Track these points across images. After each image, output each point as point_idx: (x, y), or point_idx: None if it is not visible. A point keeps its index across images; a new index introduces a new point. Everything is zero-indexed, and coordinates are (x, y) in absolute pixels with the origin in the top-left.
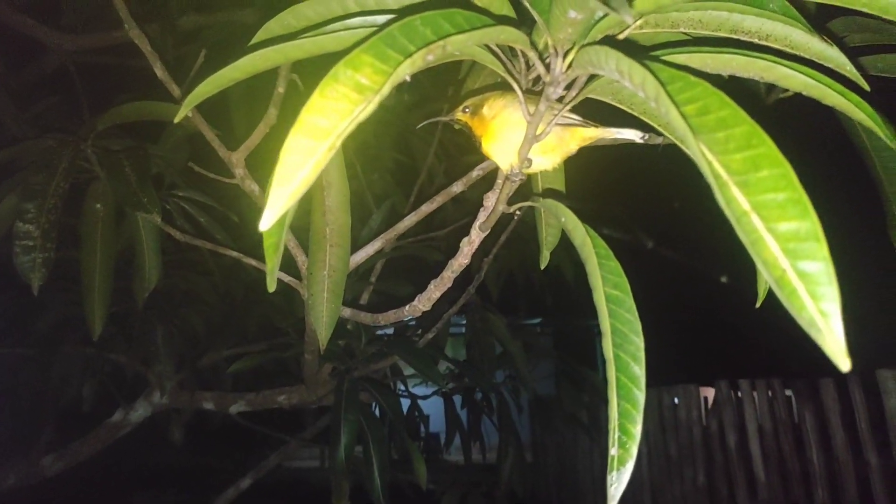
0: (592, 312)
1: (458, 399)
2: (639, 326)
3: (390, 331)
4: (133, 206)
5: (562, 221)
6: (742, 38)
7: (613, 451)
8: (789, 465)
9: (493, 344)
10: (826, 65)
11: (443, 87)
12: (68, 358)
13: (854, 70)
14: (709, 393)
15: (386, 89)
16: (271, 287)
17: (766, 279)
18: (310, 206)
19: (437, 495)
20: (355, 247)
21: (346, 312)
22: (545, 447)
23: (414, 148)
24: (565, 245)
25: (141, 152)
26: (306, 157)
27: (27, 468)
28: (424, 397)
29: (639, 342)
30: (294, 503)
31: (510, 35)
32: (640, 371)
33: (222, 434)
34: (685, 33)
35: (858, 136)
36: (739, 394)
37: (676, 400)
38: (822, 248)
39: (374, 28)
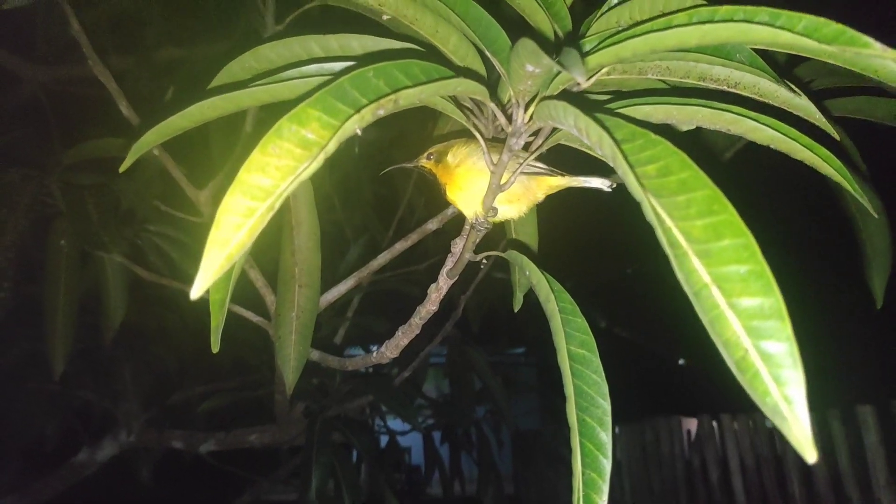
0: None
1: (439, 434)
2: (606, 388)
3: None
4: (92, 246)
5: (526, 275)
6: (711, 86)
7: None
8: (771, 501)
9: (472, 379)
10: (795, 113)
11: (425, 119)
12: (32, 395)
13: (823, 119)
14: (692, 425)
15: (332, 146)
16: (215, 347)
17: (726, 360)
18: (279, 244)
19: None
20: (334, 280)
21: (315, 355)
22: (527, 481)
23: (395, 180)
24: None
25: (105, 189)
26: (244, 219)
27: None
28: (403, 433)
29: (605, 406)
30: None
31: (468, 87)
32: (606, 437)
33: (194, 472)
34: (661, 80)
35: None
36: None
37: (660, 433)
38: (786, 327)
39: (329, 77)
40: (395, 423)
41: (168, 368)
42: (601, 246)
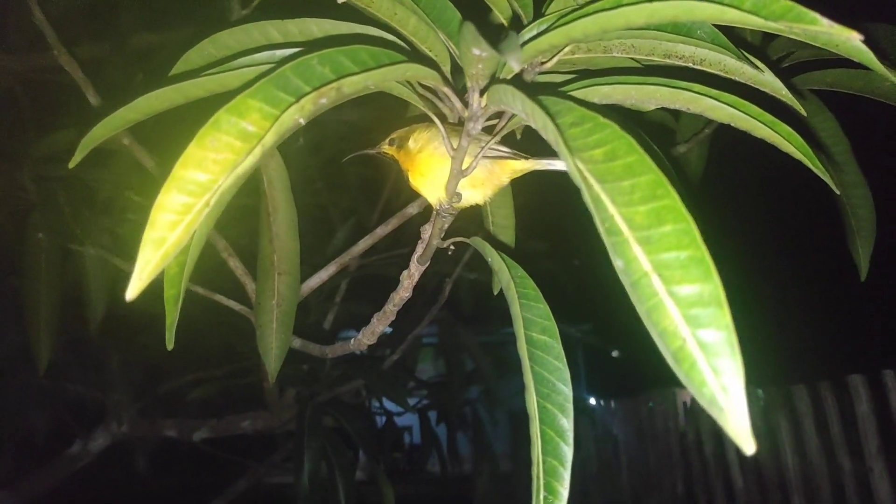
0: (572, 318)
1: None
2: (567, 375)
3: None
4: (65, 239)
5: (489, 262)
6: (679, 64)
7: None
8: (766, 472)
9: (463, 360)
10: (762, 89)
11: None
12: (21, 389)
13: (789, 95)
14: (687, 397)
15: (269, 138)
16: (169, 344)
17: (662, 351)
18: (257, 231)
19: None
20: (321, 265)
21: (296, 343)
22: (525, 458)
23: (380, 162)
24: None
25: (77, 181)
26: (179, 216)
27: None
28: (400, 414)
29: (567, 392)
30: None
31: (417, 72)
32: (567, 424)
33: (191, 459)
34: (633, 59)
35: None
36: None
37: (652, 404)
38: (725, 315)
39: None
40: (393, 404)
41: (156, 357)
42: (577, 239)
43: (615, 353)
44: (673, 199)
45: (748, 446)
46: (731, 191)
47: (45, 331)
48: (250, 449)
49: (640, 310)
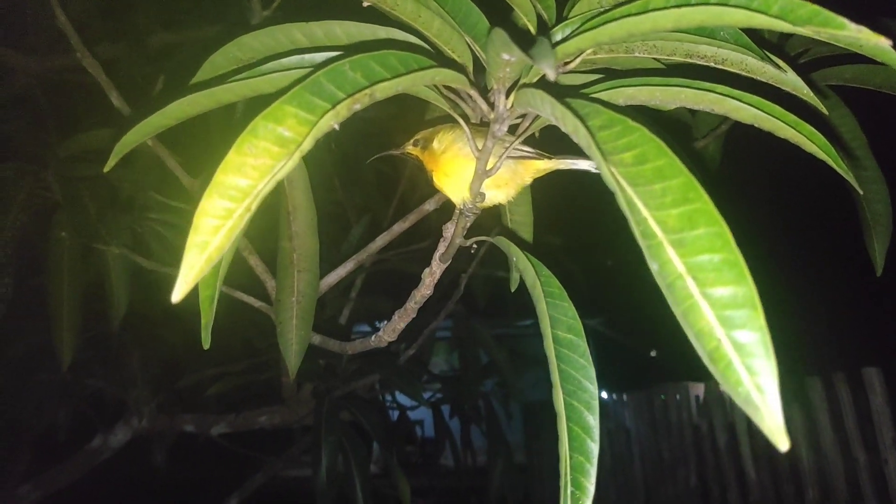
0: (584, 312)
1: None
2: (593, 372)
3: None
4: (90, 239)
5: (513, 261)
6: (699, 63)
7: None
8: (779, 464)
9: (478, 353)
10: (782, 87)
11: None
12: (43, 385)
13: (811, 94)
14: (699, 390)
15: (307, 143)
16: (206, 343)
17: (699, 352)
18: (277, 230)
19: None
20: (337, 261)
21: (316, 339)
22: (538, 451)
23: (395, 159)
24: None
25: (102, 181)
26: (222, 220)
27: (3, 498)
28: (413, 408)
29: (593, 389)
30: None
31: (445, 76)
32: (594, 421)
33: (209, 453)
34: (655, 58)
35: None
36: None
37: (664, 396)
38: (759, 317)
39: (308, 69)
40: (406, 398)
41: (176, 354)
42: (590, 234)
43: (629, 347)
44: (705, 203)
45: (782, 444)
46: (746, 185)
47: (68, 328)
48: (267, 443)
49: (676, 311)
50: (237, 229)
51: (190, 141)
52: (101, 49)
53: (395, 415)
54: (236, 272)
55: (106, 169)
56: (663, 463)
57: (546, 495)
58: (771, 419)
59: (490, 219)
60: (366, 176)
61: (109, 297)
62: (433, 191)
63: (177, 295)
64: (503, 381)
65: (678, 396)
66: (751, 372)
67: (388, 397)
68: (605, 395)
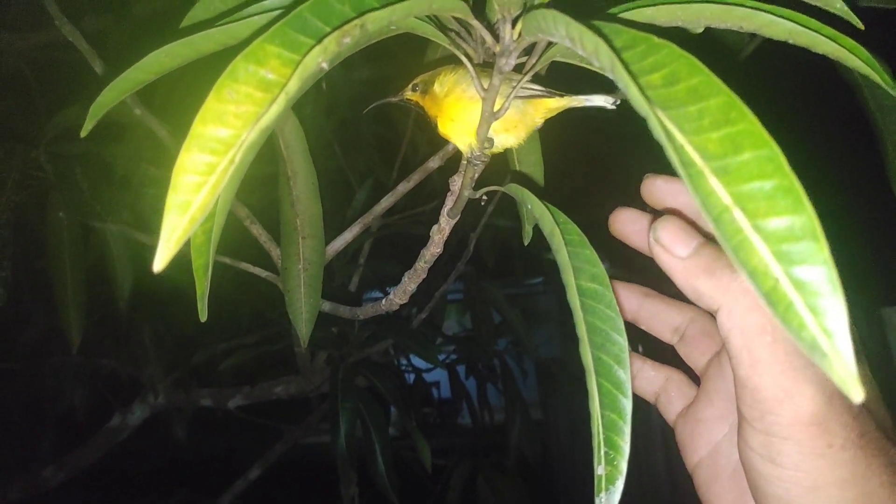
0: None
1: (464, 367)
2: (621, 323)
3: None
4: (86, 217)
5: (528, 209)
6: None
7: (600, 471)
8: None
9: (490, 314)
10: (813, 3)
11: (419, 52)
12: (58, 368)
13: (845, 8)
14: None
15: (293, 85)
16: (202, 316)
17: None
18: (277, 197)
19: (447, 470)
20: (343, 227)
21: (326, 307)
22: (554, 407)
23: (395, 120)
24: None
25: (95, 157)
26: (203, 177)
27: (29, 481)
28: (428, 370)
29: (622, 341)
30: (305, 488)
31: (444, 4)
32: (625, 375)
33: (228, 426)
34: None
35: (848, 73)
36: None
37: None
38: (822, 249)
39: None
40: (421, 361)
41: (187, 329)
42: (607, 175)
43: None
44: (750, 123)
45: (856, 394)
46: (771, 111)
47: (74, 309)
48: (284, 413)
49: (726, 249)
50: (221, 185)
51: (180, 111)
52: (87, 22)
53: (411, 378)
54: (240, 243)
55: (83, 133)
56: None
57: (564, 450)
58: (842, 366)
59: (495, 176)
60: (365, 139)
61: (113, 276)
62: (435, 150)
63: (158, 263)
64: (517, 340)
65: None
66: (815, 313)
67: (403, 361)
68: None
